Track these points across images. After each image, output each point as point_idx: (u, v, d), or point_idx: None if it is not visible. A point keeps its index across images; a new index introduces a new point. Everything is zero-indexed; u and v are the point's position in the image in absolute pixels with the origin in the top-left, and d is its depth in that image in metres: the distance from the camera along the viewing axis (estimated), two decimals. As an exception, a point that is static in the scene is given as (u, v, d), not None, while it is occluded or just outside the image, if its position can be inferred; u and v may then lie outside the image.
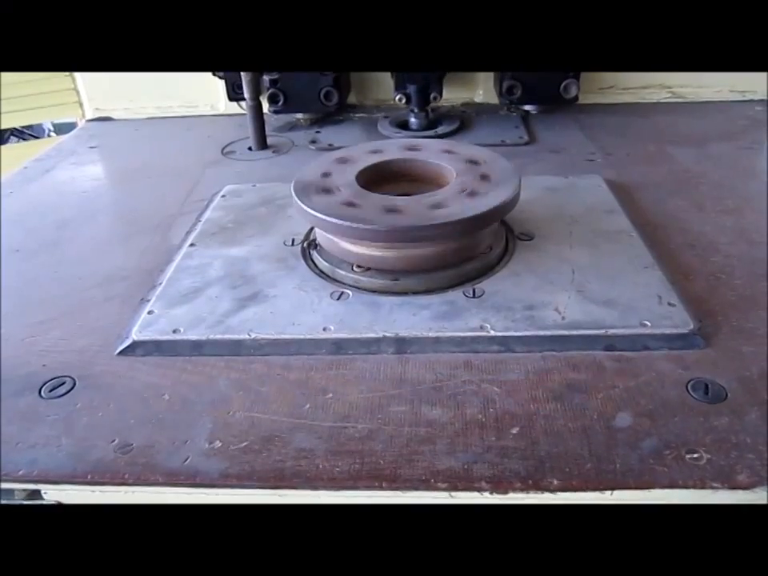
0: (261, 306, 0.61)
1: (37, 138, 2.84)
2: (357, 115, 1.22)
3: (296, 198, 0.64)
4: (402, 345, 0.56)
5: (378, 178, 0.71)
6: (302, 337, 0.57)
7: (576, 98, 1.11)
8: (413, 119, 1.12)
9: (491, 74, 1.20)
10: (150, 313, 0.61)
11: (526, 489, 0.43)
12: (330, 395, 0.52)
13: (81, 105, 1.30)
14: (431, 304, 0.61)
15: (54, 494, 0.48)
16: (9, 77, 1.45)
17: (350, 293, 0.63)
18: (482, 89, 1.23)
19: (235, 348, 0.57)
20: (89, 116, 1.28)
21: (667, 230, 0.74)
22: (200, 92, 1.24)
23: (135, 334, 0.59)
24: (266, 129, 1.08)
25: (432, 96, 1.10)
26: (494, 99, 1.20)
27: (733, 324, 0.58)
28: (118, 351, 0.58)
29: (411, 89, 1.09)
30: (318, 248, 0.69)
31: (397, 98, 1.10)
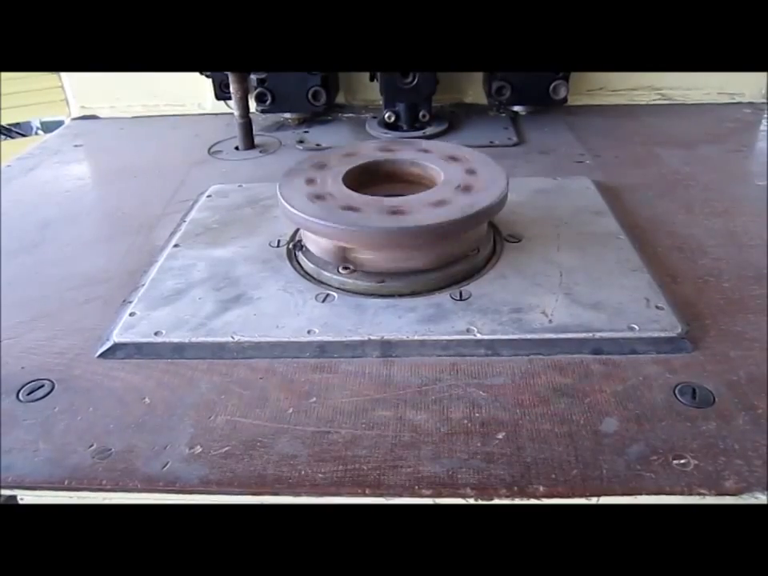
0: (244, 309, 0.60)
1: (24, 135, 2.82)
2: (345, 115, 1.21)
3: (278, 191, 0.64)
4: (387, 348, 0.56)
5: (366, 178, 0.70)
6: (285, 340, 0.57)
7: (565, 99, 1.10)
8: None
9: (480, 75, 1.19)
10: (131, 315, 0.60)
11: (511, 496, 0.43)
12: (314, 399, 0.51)
13: (67, 103, 1.29)
14: (417, 307, 0.60)
15: (30, 500, 0.47)
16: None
17: (335, 295, 0.62)
18: (471, 89, 1.23)
19: (218, 351, 0.56)
20: (74, 114, 1.27)
21: (655, 233, 0.74)
22: (187, 91, 1.23)
23: (116, 336, 0.58)
24: (254, 128, 1.07)
25: (421, 114, 1.10)
26: (482, 100, 1.20)
27: (721, 327, 0.58)
28: (98, 353, 0.57)
29: (400, 107, 1.09)
30: (304, 249, 0.68)
31: (386, 115, 1.10)
